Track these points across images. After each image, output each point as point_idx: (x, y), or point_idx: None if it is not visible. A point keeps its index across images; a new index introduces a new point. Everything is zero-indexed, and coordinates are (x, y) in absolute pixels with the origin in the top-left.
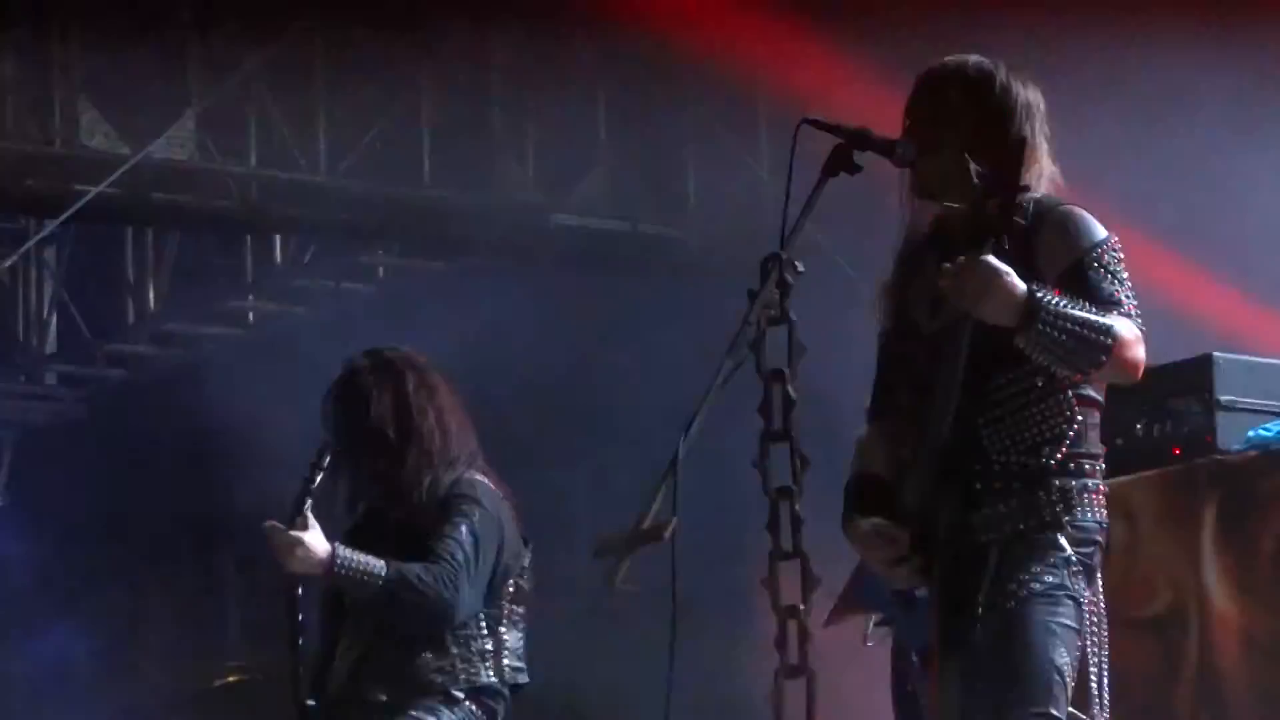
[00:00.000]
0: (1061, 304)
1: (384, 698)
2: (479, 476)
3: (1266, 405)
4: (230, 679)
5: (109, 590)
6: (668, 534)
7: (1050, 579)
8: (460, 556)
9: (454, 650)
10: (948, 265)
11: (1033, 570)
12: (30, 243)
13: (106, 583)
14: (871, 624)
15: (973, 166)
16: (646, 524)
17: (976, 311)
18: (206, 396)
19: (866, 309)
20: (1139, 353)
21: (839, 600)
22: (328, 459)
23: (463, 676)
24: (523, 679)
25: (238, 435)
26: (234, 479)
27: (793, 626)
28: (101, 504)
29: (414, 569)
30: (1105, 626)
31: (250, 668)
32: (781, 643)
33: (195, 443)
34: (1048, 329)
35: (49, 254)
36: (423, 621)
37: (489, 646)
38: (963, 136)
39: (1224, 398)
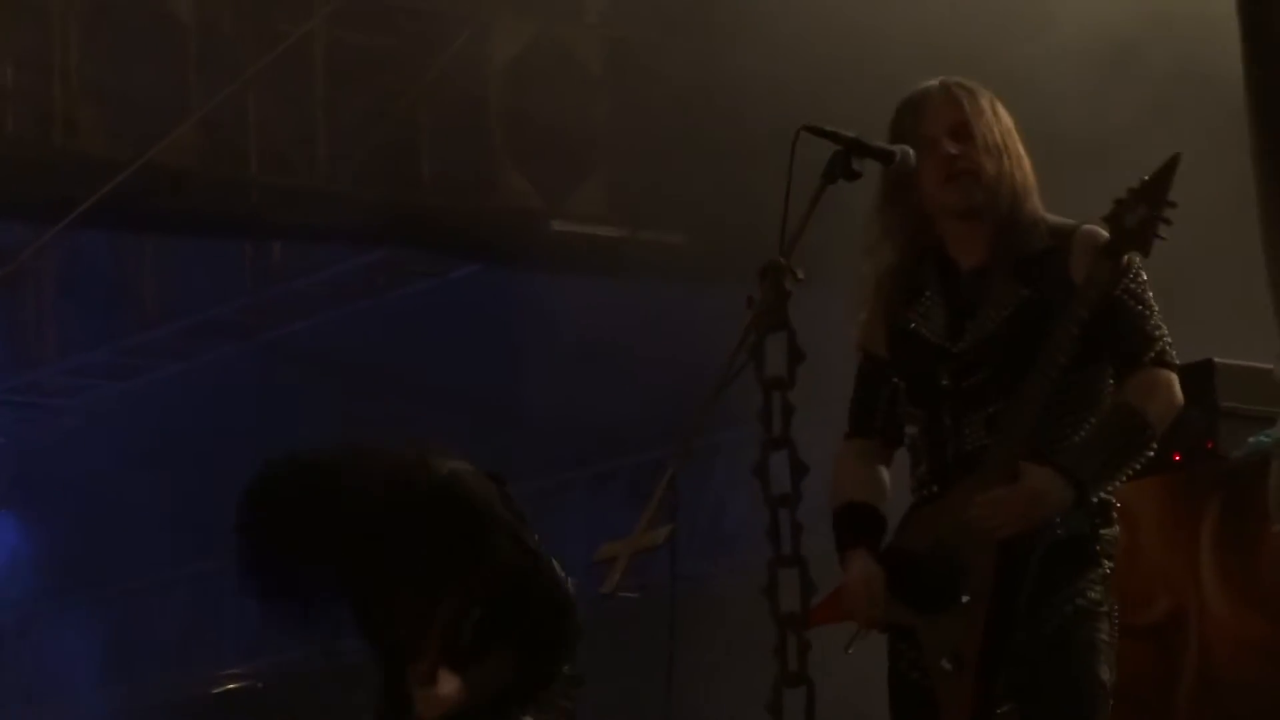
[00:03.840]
0: (1096, 456)
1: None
2: None
3: (1269, 411)
4: (229, 686)
5: (107, 597)
6: (665, 540)
7: (1094, 594)
8: None
9: None
10: (979, 502)
11: (1078, 585)
12: (30, 248)
13: (104, 589)
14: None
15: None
16: (644, 530)
17: (1029, 528)
18: (205, 402)
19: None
20: (1173, 397)
21: (829, 598)
22: None
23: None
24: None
25: (237, 441)
26: (234, 486)
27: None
28: (100, 511)
29: None
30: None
31: (248, 675)
32: (781, 651)
33: (194, 449)
34: (1102, 483)
35: (49, 260)
36: None
37: None
38: (998, 164)
39: (1226, 404)
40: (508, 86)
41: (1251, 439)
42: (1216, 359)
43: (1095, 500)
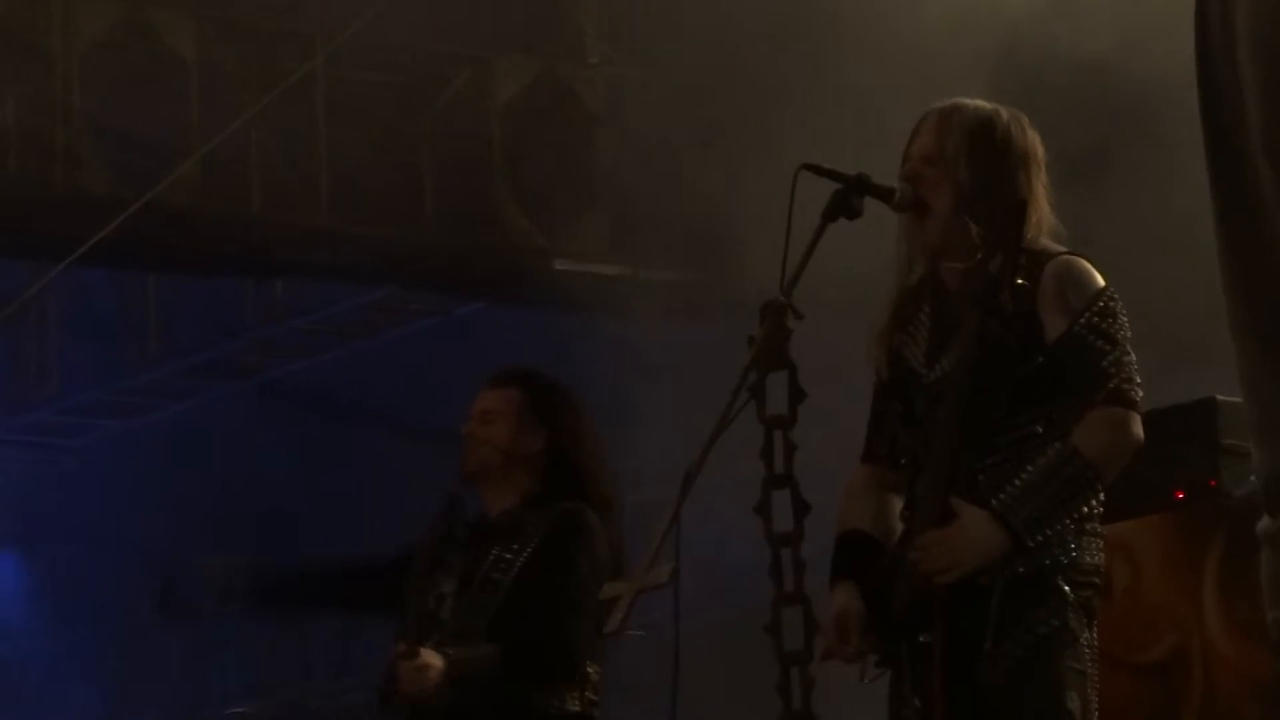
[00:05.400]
0: (1032, 500)
1: (467, 707)
2: None
3: None
4: None
5: (109, 633)
6: (668, 578)
7: (1056, 623)
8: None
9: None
10: (918, 544)
11: (1038, 615)
12: (34, 289)
13: (106, 626)
14: (871, 663)
15: (973, 227)
16: (648, 569)
17: (965, 574)
18: (207, 441)
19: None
20: (1124, 435)
21: None
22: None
23: (555, 703)
24: (597, 713)
25: (239, 483)
26: (236, 526)
27: (795, 672)
28: (101, 550)
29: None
30: (1097, 670)
31: (252, 714)
32: (784, 688)
33: (197, 490)
34: (1040, 528)
35: (51, 298)
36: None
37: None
38: (960, 184)
39: (1228, 441)
40: (510, 125)
41: (1254, 476)
42: (1219, 396)
43: (1034, 542)
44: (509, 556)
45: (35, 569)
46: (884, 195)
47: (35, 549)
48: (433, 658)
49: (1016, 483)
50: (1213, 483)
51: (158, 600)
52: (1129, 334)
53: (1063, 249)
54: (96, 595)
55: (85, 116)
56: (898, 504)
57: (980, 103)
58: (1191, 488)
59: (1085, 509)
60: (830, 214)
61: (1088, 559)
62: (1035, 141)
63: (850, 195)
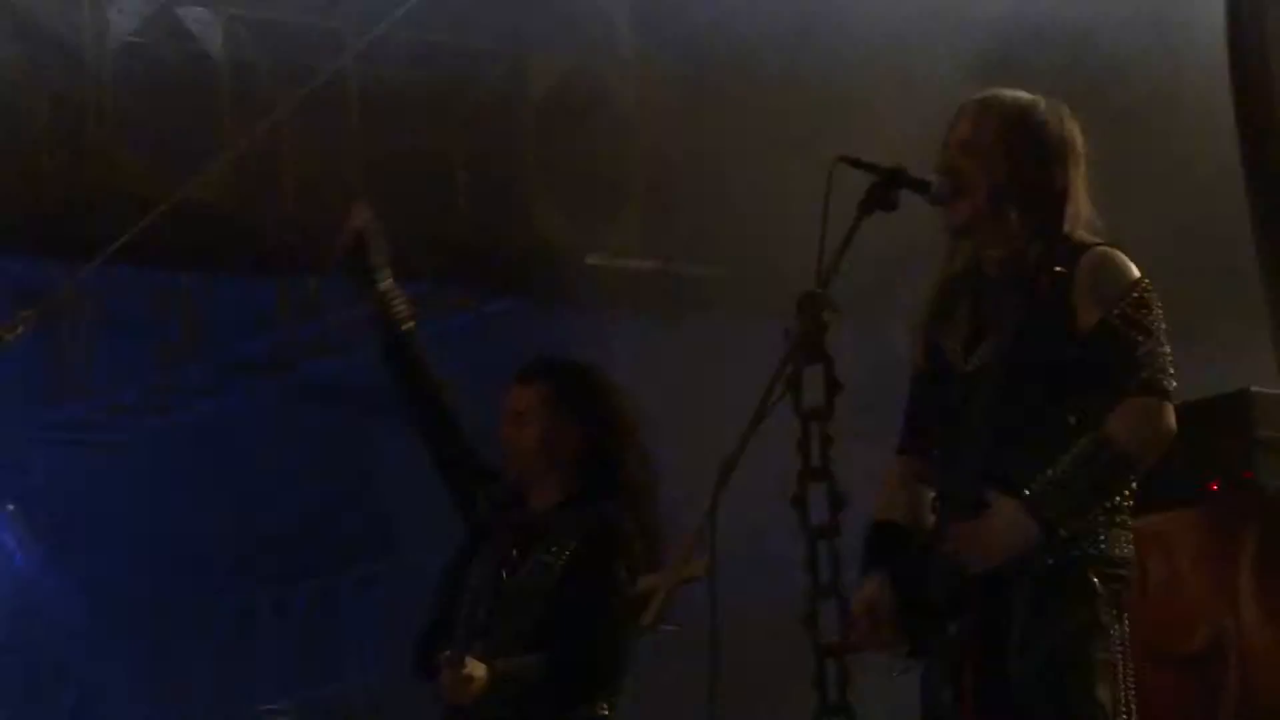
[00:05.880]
0: (1065, 490)
1: (504, 715)
2: None
3: None
4: None
5: (143, 631)
6: (704, 572)
7: (1085, 614)
8: None
9: None
10: (950, 535)
11: (1067, 607)
12: (66, 287)
13: (140, 623)
14: (903, 655)
15: (1012, 215)
16: (684, 562)
17: (997, 564)
18: (241, 438)
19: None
20: (1157, 425)
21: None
22: None
23: (584, 710)
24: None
25: (274, 478)
26: (270, 521)
27: (831, 665)
28: (137, 549)
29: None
30: (1130, 663)
31: (287, 710)
32: (820, 681)
33: (231, 484)
34: (1072, 519)
35: (84, 297)
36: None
37: None
38: (996, 175)
39: (1264, 433)
40: (542, 121)
41: None
42: (1254, 388)
43: (1067, 532)
44: (547, 560)
45: (69, 566)
46: (920, 188)
47: (69, 546)
48: (477, 668)
49: (1049, 473)
50: (1248, 475)
51: (191, 596)
52: (1164, 325)
53: (1099, 240)
54: (130, 591)
55: (117, 116)
56: (929, 494)
57: (1020, 93)
58: (1226, 480)
59: (1117, 500)
60: (867, 207)
61: (1117, 551)
62: (1075, 133)
63: (887, 188)
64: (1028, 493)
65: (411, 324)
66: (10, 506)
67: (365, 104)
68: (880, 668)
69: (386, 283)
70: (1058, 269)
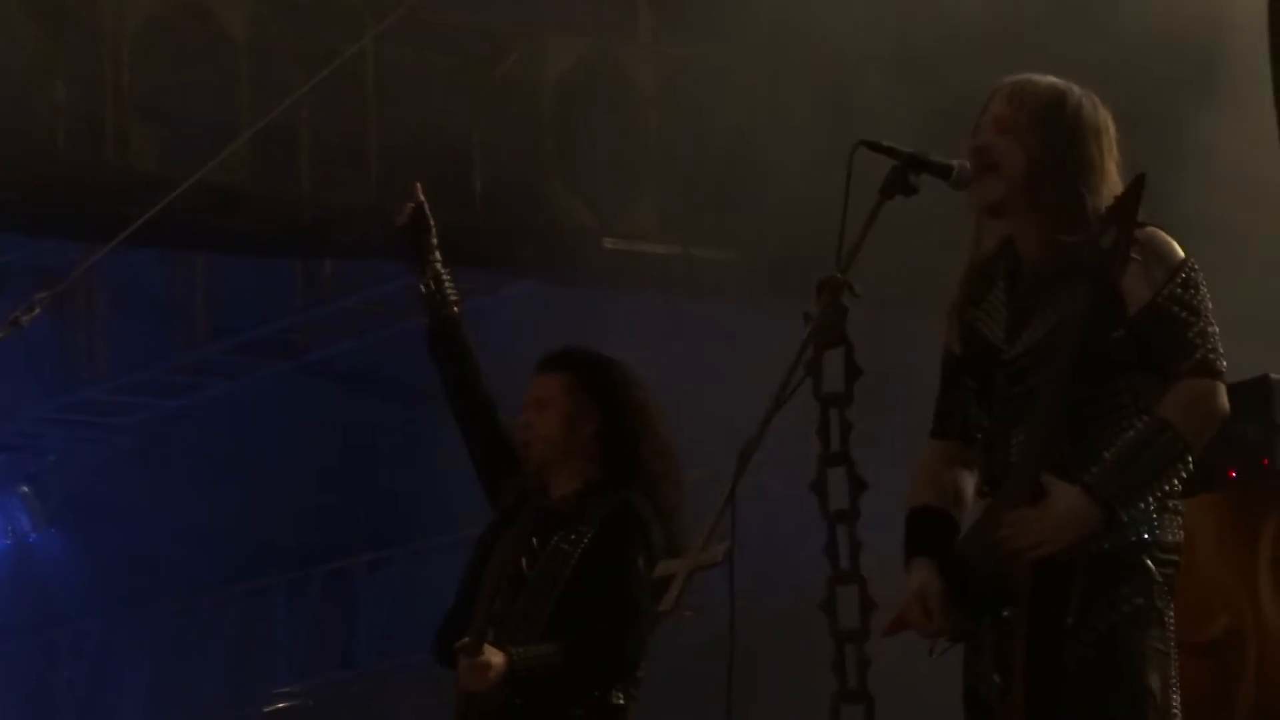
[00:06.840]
0: (1125, 473)
1: (519, 701)
2: None
3: None
4: (280, 705)
5: (157, 612)
6: (723, 557)
7: (1140, 601)
8: None
9: None
10: (1008, 520)
11: (1123, 592)
12: (83, 268)
13: (155, 607)
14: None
15: (1049, 193)
16: (702, 548)
17: (1057, 550)
18: (256, 420)
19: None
20: (1212, 407)
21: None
22: None
23: (597, 693)
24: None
25: (287, 463)
26: (283, 507)
27: (850, 651)
28: (151, 529)
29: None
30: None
31: (300, 694)
32: (839, 667)
33: (245, 467)
34: (1133, 502)
35: (100, 278)
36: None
37: None
38: (1034, 151)
39: None
40: (560, 103)
41: None
42: (1274, 375)
43: (1128, 516)
44: (566, 548)
45: (85, 548)
46: (942, 172)
47: (84, 528)
48: (495, 655)
49: (1107, 456)
50: (1266, 461)
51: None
52: (1211, 305)
53: (1143, 220)
54: (146, 573)
55: (135, 96)
56: (969, 480)
57: (1052, 78)
58: (1245, 466)
59: (1176, 480)
60: (888, 191)
61: (1169, 537)
62: (1107, 118)
63: (907, 172)
64: (1088, 477)
65: (459, 306)
66: (25, 488)
67: (383, 86)
68: (897, 653)
69: (440, 262)
70: (1134, 256)
